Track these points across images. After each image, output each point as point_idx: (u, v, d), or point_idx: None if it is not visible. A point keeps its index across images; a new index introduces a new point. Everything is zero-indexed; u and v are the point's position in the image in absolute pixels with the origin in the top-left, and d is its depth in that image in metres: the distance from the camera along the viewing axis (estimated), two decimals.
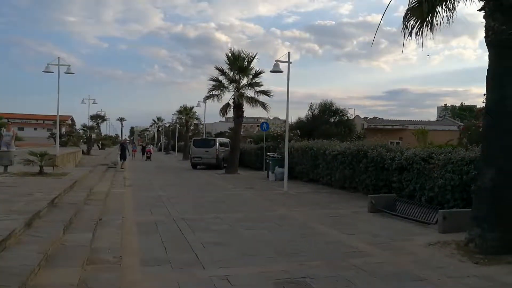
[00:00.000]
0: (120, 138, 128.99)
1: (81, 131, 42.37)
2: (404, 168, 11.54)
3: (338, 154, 15.07)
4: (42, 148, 23.64)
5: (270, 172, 19.64)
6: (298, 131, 27.38)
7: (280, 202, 12.17)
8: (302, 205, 11.48)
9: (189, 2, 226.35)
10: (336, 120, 33.01)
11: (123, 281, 4.77)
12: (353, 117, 40.00)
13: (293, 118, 45.16)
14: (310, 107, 33.69)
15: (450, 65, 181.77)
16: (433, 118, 66.03)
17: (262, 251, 6.58)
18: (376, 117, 51.47)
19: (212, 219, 9.17)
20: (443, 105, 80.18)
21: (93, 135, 53.80)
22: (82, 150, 31.80)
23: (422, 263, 5.99)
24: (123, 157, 24.68)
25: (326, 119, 32.40)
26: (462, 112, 64.86)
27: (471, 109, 54.94)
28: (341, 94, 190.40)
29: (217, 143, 27.08)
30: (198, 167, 27.33)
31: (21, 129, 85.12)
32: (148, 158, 36.61)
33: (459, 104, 75.76)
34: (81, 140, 40.72)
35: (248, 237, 7.55)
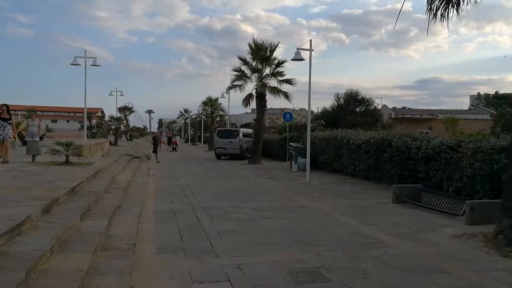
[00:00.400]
0: (149, 130, 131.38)
1: (109, 123, 43.18)
2: (431, 158, 11.13)
3: (362, 143, 14.72)
4: (69, 139, 24.28)
5: (292, 163, 19.44)
6: (322, 121, 26.96)
7: (301, 192, 11.98)
8: (324, 196, 11.27)
9: None
10: (362, 109, 32.40)
11: (134, 267, 4.74)
12: (380, 106, 39.16)
13: (318, 108, 44.69)
14: (336, 96, 33.12)
15: (484, 53, 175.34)
16: (466, 107, 63.66)
17: (278, 240, 6.44)
18: (406, 107, 50.14)
19: (231, 208, 9.10)
20: (476, 94, 77.21)
21: (122, 127, 55.00)
22: (110, 141, 32.41)
23: (446, 256, 5.72)
24: (155, 150, 24.52)
25: (352, 109, 31.84)
26: (497, 100, 62.15)
27: (506, 97, 52.60)
28: (369, 84, 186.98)
29: (241, 134, 27.06)
30: (222, 157, 27.41)
31: (54, 121, 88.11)
32: (174, 149, 36.91)
33: (494, 93, 72.78)
34: (110, 132, 41.52)
35: (265, 226, 7.43)
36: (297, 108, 68.73)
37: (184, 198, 10.56)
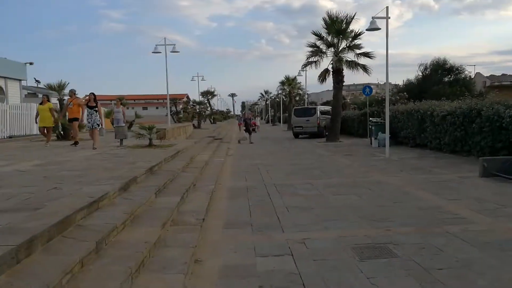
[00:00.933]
0: (232, 113, 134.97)
1: (191, 107, 45.10)
2: None
3: (447, 114, 13.70)
4: (154, 124, 25.85)
5: (372, 138, 18.73)
6: (405, 93, 25.46)
7: (378, 168, 11.51)
8: (403, 171, 10.71)
9: None
10: (451, 79, 29.87)
11: (200, 241, 4.95)
12: (472, 75, 35.80)
13: (404, 81, 42.13)
14: (420, 66, 30.93)
15: None
16: None
17: (347, 216, 6.28)
18: (506, 74, 45.18)
19: (302, 185, 9.05)
20: None
21: (206, 111, 57.17)
22: (193, 124, 33.94)
23: None
24: (248, 131, 24.41)
25: (439, 79, 29.50)
26: None
27: None
28: (462, 52, 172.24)
29: (318, 112, 26.62)
30: (300, 136, 27.29)
31: (145, 108, 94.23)
32: (253, 130, 37.38)
33: None
34: (194, 116, 43.36)
35: (335, 202, 7.28)
36: (381, 82, 65.56)
37: (258, 176, 10.72)
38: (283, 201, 7.45)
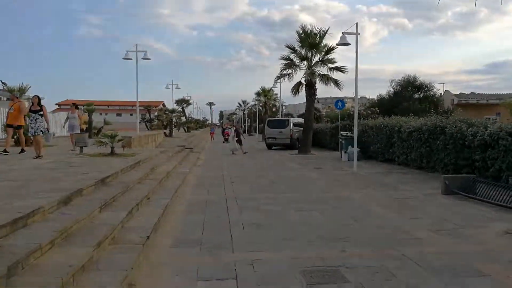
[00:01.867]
0: (209, 122, 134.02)
1: (166, 115, 44.33)
2: (489, 145, 10.01)
3: (414, 130, 13.73)
4: (123, 131, 25.14)
5: (342, 152, 18.68)
6: (376, 108, 25.72)
7: (344, 183, 11.34)
8: (368, 187, 10.56)
9: None
10: (420, 96, 30.47)
11: (141, 263, 4.55)
12: (441, 92, 36.60)
13: (378, 96, 42.78)
14: (392, 83, 31.44)
15: None
16: None
17: (304, 235, 5.99)
18: (475, 93, 46.50)
19: (266, 200, 8.75)
20: None
21: (182, 118, 56.33)
22: (164, 133, 33.26)
23: (491, 256, 4.97)
24: (240, 142, 23.43)
25: (409, 95, 30.03)
26: None
27: None
28: (434, 70, 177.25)
29: (291, 123, 26.54)
30: (273, 147, 27.11)
31: (119, 115, 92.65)
32: (226, 140, 37.00)
33: None
34: (173, 124, 42.47)
35: (296, 219, 6.99)
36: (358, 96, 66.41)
37: (221, 189, 10.37)
38: (241, 217, 7.12)
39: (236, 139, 23.52)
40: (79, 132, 14.67)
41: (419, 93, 30.41)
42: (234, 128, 26.08)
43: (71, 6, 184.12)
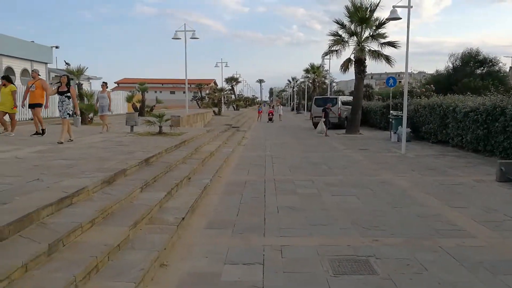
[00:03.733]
0: (259, 99, 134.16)
1: (216, 93, 44.97)
2: None
3: (470, 111, 12.98)
4: (172, 110, 25.90)
5: (392, 132, 18.06)
6: (432, 86, 24.44)
7: (389, 166, 11.00)
8: (414, 170, 10.19)
9: None
10: (483, 71, 28.48)
11: (168, 244, 4.73)
12: (510, 67, 34.03)
13: (437, 71, 40.53)
14: (451, 57, 29.63)
15: None
16: None
17: (337, 220, 5.94)
18: None
19: (303, 182, 8.73)
20: None
21: (232, 96, 56.96)
22: (214, 111, 33.81)
23: None
24: (327, 123, 21.72)
25: (471, 71, 28.16)
26: None
27: None
28: (504, 41, 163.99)
29: (340, 102, 25.94)
30: None
31: (172, 93, 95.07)
32: (270, 120, 35.87)
33: None
34: (223, 102, 43.08)
35: (331, 204, 6.93)
36: (415, 72, 63.47)
37: (261, 169, 10.46)
38: (276, 200, 7.17)
39: (324, 120, 21.57)
40: (108, 113, 14.66)
41: (482, 68, 28.42)
42: (323, 108, 22.75)
43: None
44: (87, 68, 19.07)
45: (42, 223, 4.12)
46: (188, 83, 25.69)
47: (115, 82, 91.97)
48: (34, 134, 11.73)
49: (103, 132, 13.75)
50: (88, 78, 33.58)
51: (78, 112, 11.46)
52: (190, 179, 8.12)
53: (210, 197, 7.34)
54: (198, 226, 5.64)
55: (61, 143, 9.98)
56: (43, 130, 11.83)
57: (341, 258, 4.50)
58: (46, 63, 28.13)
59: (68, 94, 10.41)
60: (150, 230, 4.94)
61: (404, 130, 14.11)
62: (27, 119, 17.82)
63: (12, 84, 12.00)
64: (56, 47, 31.03)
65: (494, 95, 13.51)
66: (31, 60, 25.64)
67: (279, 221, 5.92)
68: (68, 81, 10.66)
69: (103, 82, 15.55)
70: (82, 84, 19.33)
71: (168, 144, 10.70)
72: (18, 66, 24.30)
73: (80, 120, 10.51)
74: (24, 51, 25.01)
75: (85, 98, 18.49)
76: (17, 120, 13.17)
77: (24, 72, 24.82)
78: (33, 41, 27.74)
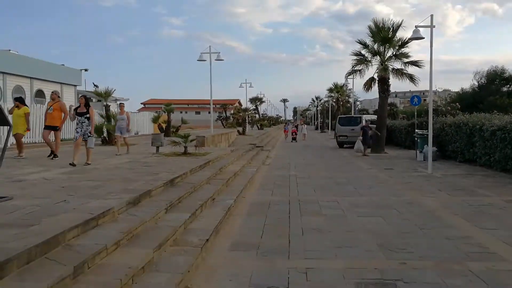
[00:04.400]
0: (283, 118, 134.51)
1: (241, 112, 45.35)
2: None
3: (497, 129, 12.64)
4: (197, 130, 26.25)
5: (418, 151, 17.74)
6: (457, 104, 23.99)
7: (416, 186, 10.78)
8: (442, 190, 9.95)
9: None
10: (510, 89, 27.83)
11: (198, 265, 4.74)
12: None
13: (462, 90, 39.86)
14: (476, 75, 29.11)
15: None
16: None
17: (364, 242, 5.83)
18: None
19: (328, 203, 8.63)
20: None
21: (256, 116, 57.33)
22: (238, 131, 34.05)
23: None
24: (366, 142, 20.17)
25: (497, 89, 27.56)
26: None
27: None
28: None
29: (364, 121, 25.71)
30: (345, 146, 26.51)
31: (198, 113, 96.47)
32: (294, 139, 35.03)
33: None
34: (248, 121, 43.39)
35: (357, 225, 6.82)
36: (439, 90, 62.56)
37: (286, 189, 10.42)
38: (301, 221, 7.10)
39: (361, 138, 20.37)
40: (127, 135, 13.98)
41: (508, 86, 27.79)
42: (362, 127, 21.58)
43: (155, 9, 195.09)
44: (114, 90, 19.63)
45: (68, 245, 4.20)
46: (213, 104, 26.03)
47: (141, 103, 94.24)
48: (53, 156, 11.52)
49: (121, 153, 13.14)
50: (116, 100, 34.50)
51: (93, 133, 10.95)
52: (214, 200, 8.16)
53: (234, 218, 7.34)
54: (222, 248, 5.64)
55: (88, 164, 10.13)
56: (55, 154, 11.55)
57: (367, 281, 4.40)
58: (75, 86, 29.19)
59: (88, 115, 10.22)
60: (175, 252, 4.97)
61: (430, 149, 13.85)
62: (40, 141, 17.79)
63: (25, 106, 11.91)
64: (86, 70, 32.22)
65: None
66: (61, 83, 26.64)
67: (304, 243, 5.86)
68: (87, 102, 10.45)
69: (120, 103, 15.20)
70: (109, 105, 19.85)
71: (192, 164, 10.81)
72: (48, 89, 25.25)
73: (93, 141, 10.31)
74: (55, 74, 26.02)
75: (112, 120, 18.98)
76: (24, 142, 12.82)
77: None
78: (63, 64, 28.87)
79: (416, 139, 18.40)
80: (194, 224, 6.31)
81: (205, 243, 5.40)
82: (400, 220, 7.10)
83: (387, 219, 7.15)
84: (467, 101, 25.61)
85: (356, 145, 21.01)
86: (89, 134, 10.29)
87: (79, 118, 10.26)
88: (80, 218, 4.70)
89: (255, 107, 59.26)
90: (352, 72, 22.78)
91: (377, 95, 22.95)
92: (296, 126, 39.87)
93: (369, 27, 21.01)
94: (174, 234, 5.43)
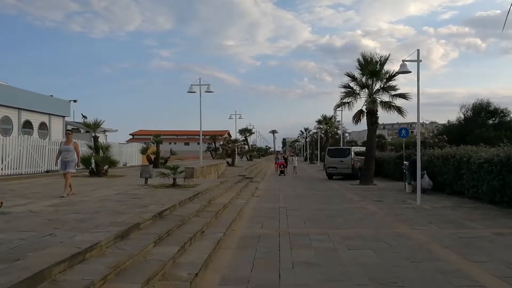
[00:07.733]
0: (272, 150, 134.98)
1: (230, 144, 45.38)
2: None
3: (484, 162, 12.84)
4: (186, 161, 26.13)
5: (406, 183, 17.86)
6: (444, 136, 24.40)
7: (405, 218, 10.80)
8: (431, 223, 9.98)
9: (335, 13, 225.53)
10: (495, 122, 28.47)
11: None
12: None
13: (449, 122, 40.65)
14: (462, 108, 29.79)
15: None
16: None
17: (353, 276, 5.77)
18: None
19: (318, 235, 8.58)
20: None
21: (245, 147, 57.35)
22: (227, 162, 33.98)
23: None
24: (412, 177, 16.48)
25: (483, 121, 28.18)
26: None
27: None
28: None
29: (352, 152, 25.99)
30: (334, 177, 26.61)
31: (186, 144, 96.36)
32: (282, 172, 32.18)
33: None
34: (237, 152, 43.33)
35: (347, 258, 6.77)
36: (427, 122, 63.67)
37: (276, 222, 10.34)
38: (291, 255, 7.03)
39: (407, 172, 17.42)
40: (74, 170, 11.04)
41: (494, 119, 28.46)
42: (410, 160, 17.42)
43: (145, 42, 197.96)
44: (103, 121, 19.67)
45: (53, 281, 4.11)
46: (202, 135, 26.10)
47: (130, 134, 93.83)
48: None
49: (64, 195, 10.31)
50: (104, 131, 34.42)
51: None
52: (203, 233, 8.07)
53: (224, 252, 7.24)
54: (212, 283, 5.53)
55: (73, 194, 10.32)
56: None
57: None
58: (63, 117, 29.03)
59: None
60: (164, 287, 4.88)
61: (418, 181, 13.97)
62: (26, 172, 18.00)
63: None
64: (74, 101, 32.18)
65: (508, 146, 13.41)
66: (49, 114, 26.50)
67: (294, 277, 5.79)
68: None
69: (67, 131, 13.80)
70: (98, 136, 19.78)
71: (181, 196, 10.73)
72: (36, 120, 25.09)
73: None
74: (43, 105, 25.90)
75: (100, 151, 18.90)
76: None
77: (42, 125, 25.57)
78: (51, 95, 28.82)
79: (404, 171, 18.56)
80: (183, 257, 6.21)
81: (194, 278, 5.31)
82: (390, 253, 7.08)
83: (378, 252, 7.12)
84: (454, 133, 26.08)
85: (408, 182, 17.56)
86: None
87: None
88: (66, 253, 4.62)
89: (244, 138, 59.33)
90: (341, 104, 23.16)
91: (365, 127, 23.28)
92: (285, 158, 37.35)
93: (358, 60, 21.56)
94: (163, 269, 5.34)
